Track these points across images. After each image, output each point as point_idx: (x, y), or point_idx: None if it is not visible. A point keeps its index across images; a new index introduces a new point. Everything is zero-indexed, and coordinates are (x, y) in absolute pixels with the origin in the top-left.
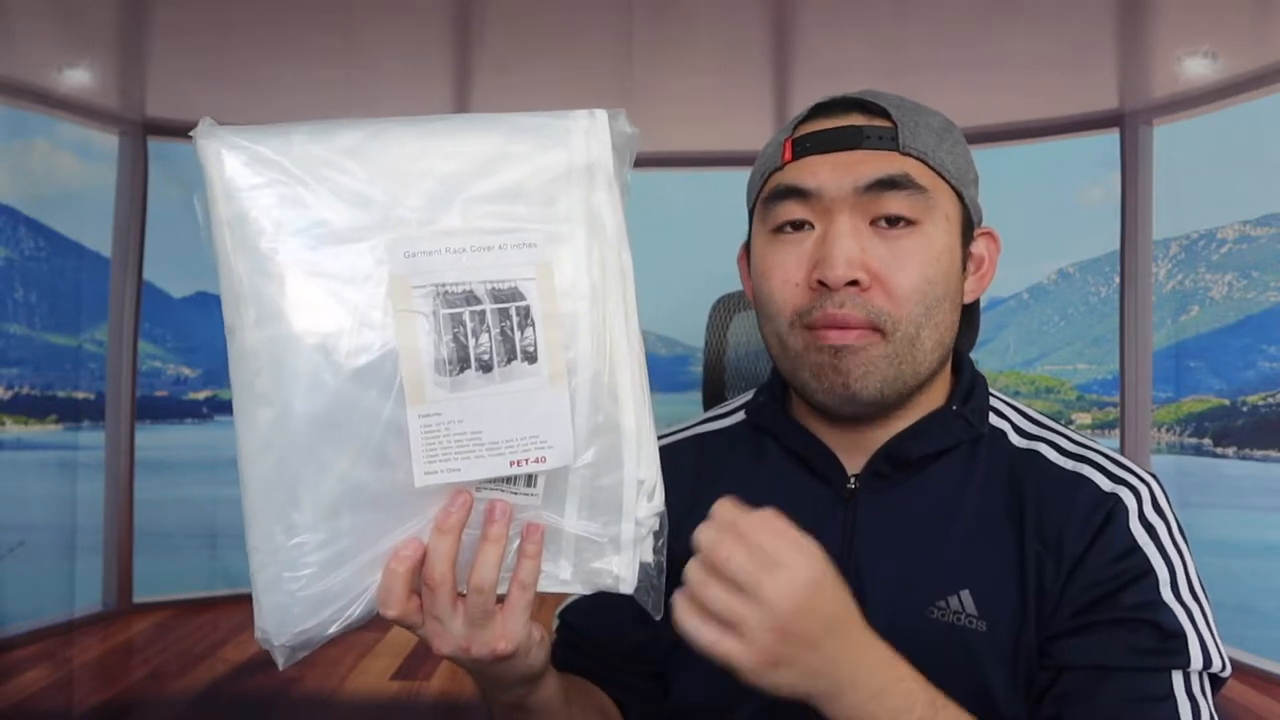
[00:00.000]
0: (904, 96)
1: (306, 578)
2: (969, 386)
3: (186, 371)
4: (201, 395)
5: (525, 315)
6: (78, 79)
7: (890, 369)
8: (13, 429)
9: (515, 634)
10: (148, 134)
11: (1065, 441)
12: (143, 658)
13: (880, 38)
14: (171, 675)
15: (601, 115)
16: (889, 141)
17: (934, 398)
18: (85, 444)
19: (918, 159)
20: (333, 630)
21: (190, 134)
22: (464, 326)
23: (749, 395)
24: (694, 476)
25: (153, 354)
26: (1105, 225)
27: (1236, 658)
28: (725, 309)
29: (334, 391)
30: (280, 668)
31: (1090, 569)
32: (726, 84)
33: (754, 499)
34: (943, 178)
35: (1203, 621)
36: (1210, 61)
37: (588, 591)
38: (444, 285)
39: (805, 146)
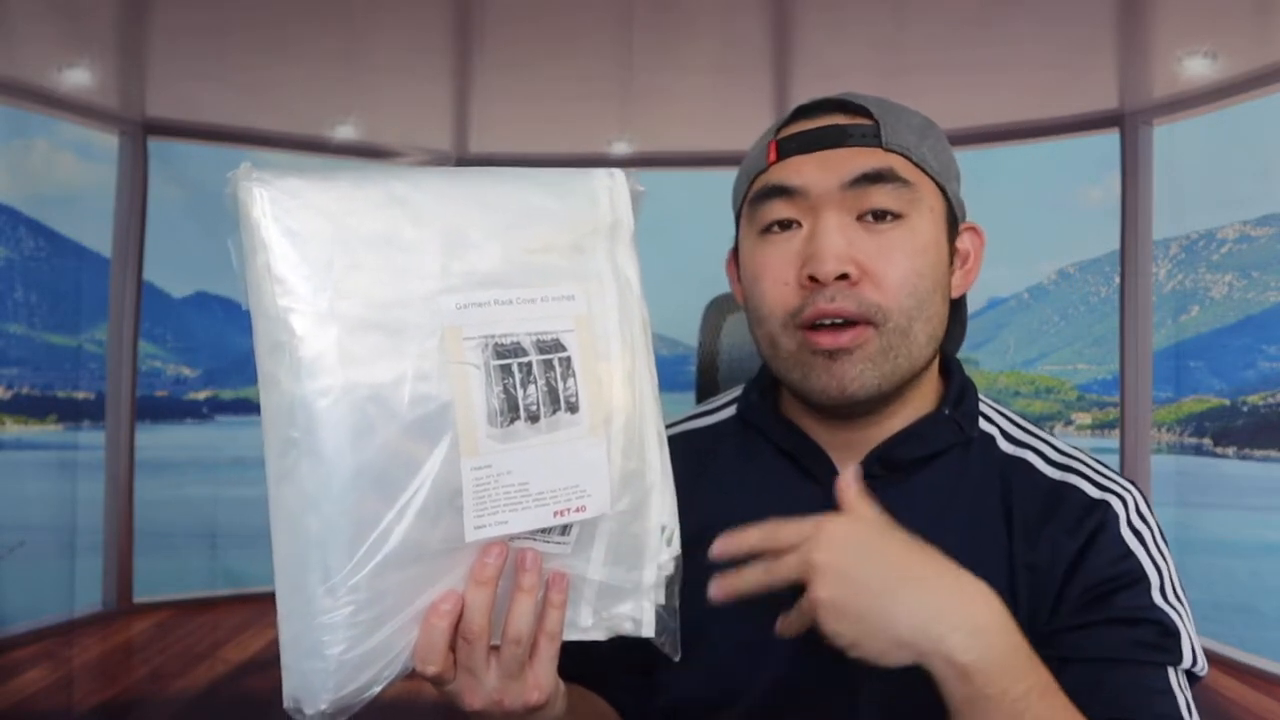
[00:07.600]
0: (885, 98)
1: (350, 640)
2: (960, 391)
3: (186, 371)
4: (201, 395)
5: (567, 366)
6: (78, 79)
7: (886, 363)
8: (13, 429)
9: (546, 683)
10: (148, 134)
11: (1051, 450)
12: (143, 658)
13: (880, 38)
14: (171, 675)
15: (620, 175)
16: (872, 139)
17: (925, 400)
18: (85, 444)
19: (900, 154)
20: (371, 693)
21: (229, 175)
22: (513, 377)
23: (738, 390)
24: (683, 475)
25: (153, 354)
26: (1105, 225)
27: (1236, 658)
28: (718, 309)
29: (384, 444)
30: None
31: (1087, 570)
32: (726, 84)
33: (743, 496)
34: (926, 173)
35: (1188, 622)
36: (1210, 61)
37: (607, 637)
38: (493, 337)
39: (789, 147)
